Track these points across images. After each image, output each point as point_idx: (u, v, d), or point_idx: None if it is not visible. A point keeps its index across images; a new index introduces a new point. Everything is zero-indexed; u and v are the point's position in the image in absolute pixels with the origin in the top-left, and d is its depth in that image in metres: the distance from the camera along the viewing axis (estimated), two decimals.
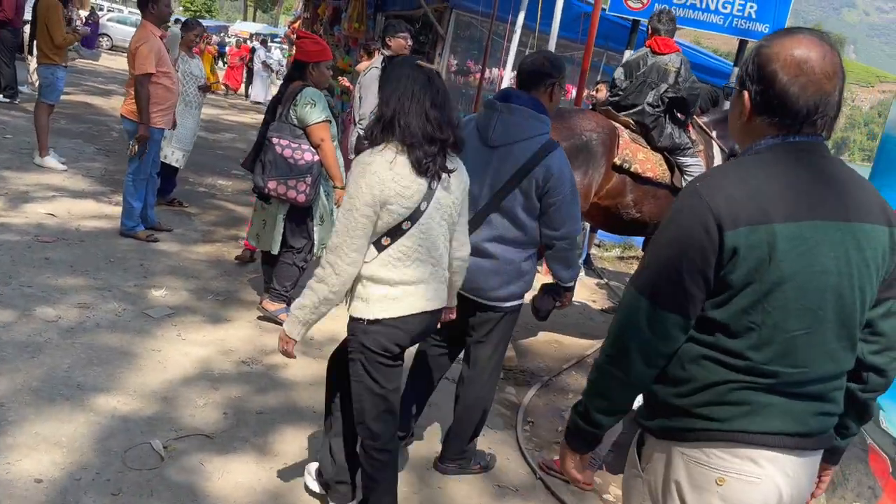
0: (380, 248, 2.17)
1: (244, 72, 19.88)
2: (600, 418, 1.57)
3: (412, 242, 2.17)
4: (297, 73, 4.17)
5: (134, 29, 27.23)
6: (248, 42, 24.92)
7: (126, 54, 5.17)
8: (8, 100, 9.57)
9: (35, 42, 7.18)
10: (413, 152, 2.11)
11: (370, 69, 5.31)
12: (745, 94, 1.47)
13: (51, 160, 6.77)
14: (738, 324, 1.40)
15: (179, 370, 3.53)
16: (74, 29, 7.35)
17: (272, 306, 4.27)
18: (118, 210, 5.73)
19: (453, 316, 2.66)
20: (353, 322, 2.24)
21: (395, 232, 2.16)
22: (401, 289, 2.19)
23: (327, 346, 3.87)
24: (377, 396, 2.28)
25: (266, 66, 18.00)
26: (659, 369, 1.49)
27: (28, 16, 9.03)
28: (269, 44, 23.69)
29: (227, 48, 22.18)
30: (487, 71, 8.71)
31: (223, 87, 19.37)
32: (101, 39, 23.58)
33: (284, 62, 18.84)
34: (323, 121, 4.03)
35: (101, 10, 25.23)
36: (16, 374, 3.18)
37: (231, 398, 3.37)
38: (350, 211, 2.10)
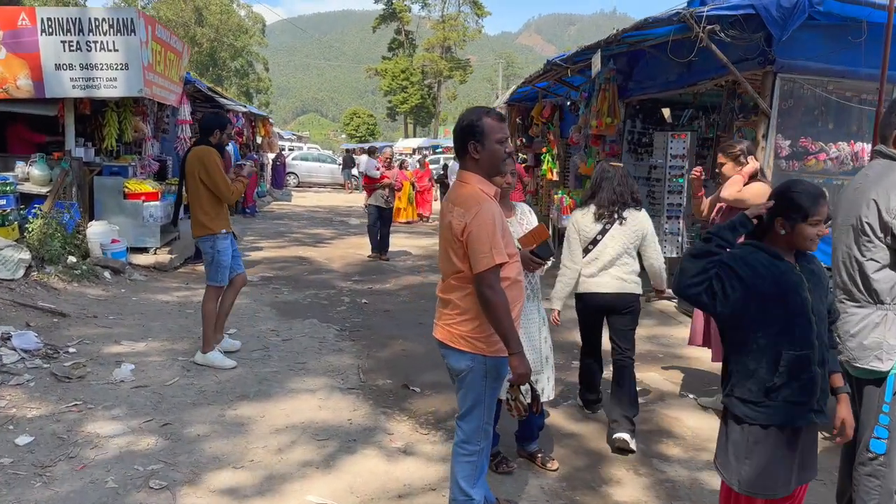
0: (584, 254, 3.97)
1: (435, 191, 17.48)
2: None
3: (592, 255, 3.92)
4: None
5: (317, 164, 27.28)
6: (410, 157, 22.99)
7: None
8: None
9: (184, 208, 5.30)
10: (598, 209, 3.91)
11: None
12: None
13: (216, 357, 4.61)
14: None
15: None
16: (237, 173, 4.90)
17: None
18: (429, 482, 3.16)
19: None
20: None
21: (585, 250, 3.95)
22: (583, 278, 3.95)
23: None
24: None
25: None
26: None
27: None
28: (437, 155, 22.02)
29: (410, 170, 16.60)
30: (834, 147, 6.32)
31: (420, 217, 15.73)
32: (288, 178, 23.33)
33: None
34: None
35: (283, 149, 25.14)
36: None
37: None
38: (567, 237, 4.04)
